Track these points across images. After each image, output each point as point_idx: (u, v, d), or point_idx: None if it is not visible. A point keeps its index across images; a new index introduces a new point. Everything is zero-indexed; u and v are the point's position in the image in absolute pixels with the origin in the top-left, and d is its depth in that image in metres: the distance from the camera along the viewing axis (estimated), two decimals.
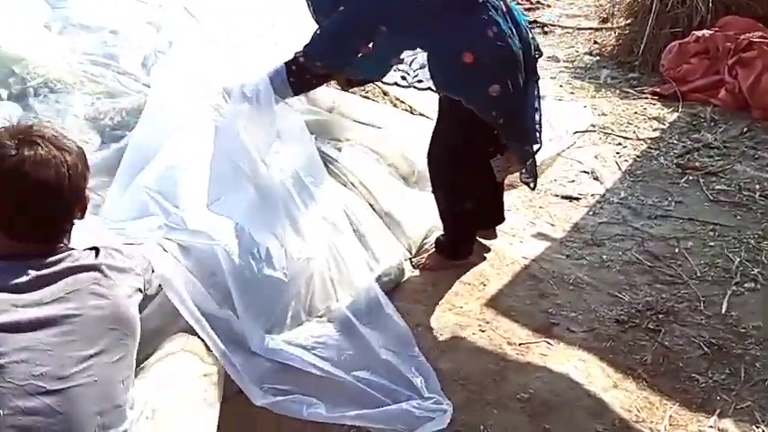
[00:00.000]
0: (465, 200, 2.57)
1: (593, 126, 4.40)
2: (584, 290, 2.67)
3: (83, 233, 1.45)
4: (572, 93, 5.08)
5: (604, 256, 2.93)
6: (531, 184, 2.64)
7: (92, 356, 1.25)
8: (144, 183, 2.00)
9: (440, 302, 2.53)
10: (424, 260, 2.73)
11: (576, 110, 4.62)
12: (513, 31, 2.27)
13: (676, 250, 2.96)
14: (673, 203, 3.40)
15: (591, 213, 3.33)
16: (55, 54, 2.35)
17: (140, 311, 1.42)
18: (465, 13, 2.20)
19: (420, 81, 2.68)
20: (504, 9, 2.28)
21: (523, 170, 2.58)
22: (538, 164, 2.94)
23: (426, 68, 2.40)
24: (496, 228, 2.88)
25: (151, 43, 2.61)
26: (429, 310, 2.49)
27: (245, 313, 1.85)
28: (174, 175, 2.05)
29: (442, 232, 2.73)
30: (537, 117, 2.51)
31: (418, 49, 2.50)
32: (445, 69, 2.27)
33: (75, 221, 1.38)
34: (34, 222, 1.30)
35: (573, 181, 3.67)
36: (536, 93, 2.51)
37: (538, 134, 2.54)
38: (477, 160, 2.50)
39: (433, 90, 2.47)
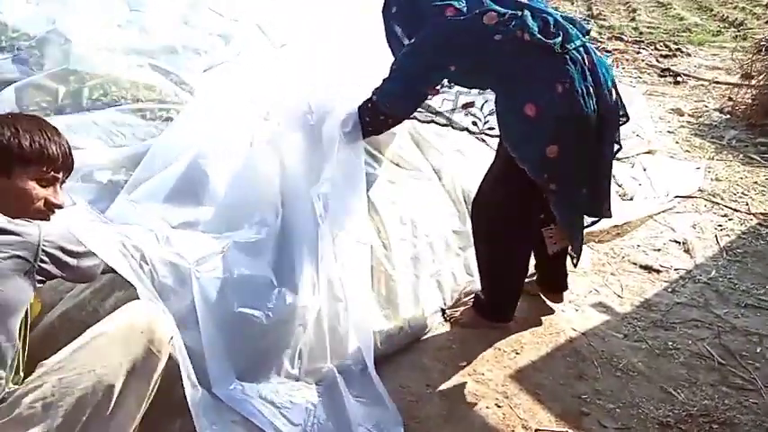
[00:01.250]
0: (507, 261, 2.36)
1: (701, 191, 3.97)
2: (632, 379, 2.35)
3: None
4: (688, 151, 4.63)
5: (670, 343, 2.58)
6: (575, 261, 2.38)
7: None
8: (143, 192, 1.97)
9: (461, 364, 2.32)
10: (458, 314, 2.53)
11: (686, 171, 4.20)
12: (591, 90, 2.05)
13: (758, 350, 2.55)
14: None
15: (669, 290, 2.96)
16: (119, 57, 2.41)
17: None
18: (538, 62, 2.02)
19: (491, 128, 2.53)
20: (588, 65, 2.06)
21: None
22: (625, 221, 2.71)
23: (463, 109, 2.33)
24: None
25: (217, 56, 2.62)
26: (447, 371, 2.28)
27: (210, 347, 1.75)
28: (184, 186, 2.02)
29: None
30: (607, 187, 2.27)
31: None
32: (505, 119, 2.12)
33: None
34: None
35: (659, 250, 3.29)
36: (611, 161, 2.26)
37: (603, 206, 2.29)
38: (524, 224, 2.30)
39: (470, 132, 2.42)
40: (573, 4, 9.73)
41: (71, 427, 1.38)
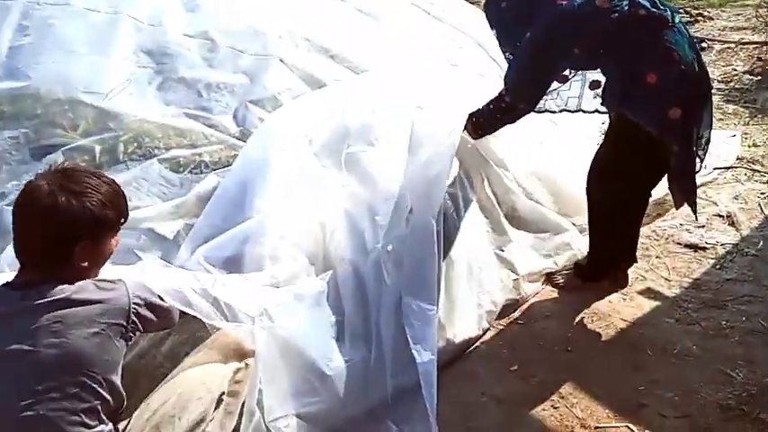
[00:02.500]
0: (617, 221, 2.58)
1: (740, 159, 3.89)
2: (688, 364, 2.33)
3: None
4: (721, 118, 4.53)
5: (724, 322, 2.54)
6: (696, 214, 2.60)
7: (39, 392, 1.36)
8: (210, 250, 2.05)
9: (513, 369, 2.33)
10: (560, 279, 2.75)
11: (722, 140, 4.11)
12: (695, 59, 2.25)
13: None
14: None
15: (718, 267, 2.91)
16: (149, 109, 2.50)
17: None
18: (652, 34, 2.21)
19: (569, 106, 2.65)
20: (688, 36, 2.27)
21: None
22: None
23: (591, 90, 2.51)
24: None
25: (244, 94, 2.68)
26: (500, 376, 2.29)
27: (269, 379, 1.81)
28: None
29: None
30: (706, 144, 2.45)
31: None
32: (627, 90, 2.26)
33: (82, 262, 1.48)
34: (23, 250, 1.46)
35: (702, 226, 3.24)
36: (710, 121, 2.44)
37: (701, 161, 2.45)
38: (636, 186, 2.50)
39: (600, 112, 2.54)
40: None
41: None
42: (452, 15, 3.88)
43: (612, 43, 2.24)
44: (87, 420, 1.42)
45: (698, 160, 2.41)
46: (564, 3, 2.24)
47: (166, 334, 2.00)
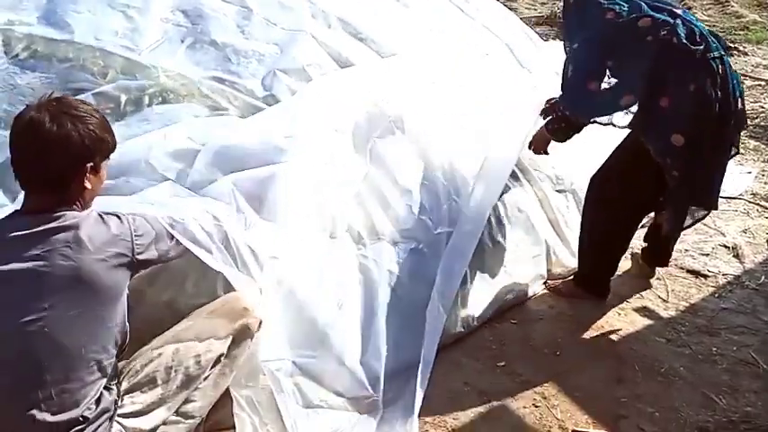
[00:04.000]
0: (614, 233, 2.65)
1: (754, 195, 3.88)
2: (673, 383, 2.35)
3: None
4: (742, 153, 4.50)
5: (714, 349, 2.56)
6: (671, 244, 2.76)
7: (45, 309, 1.41)
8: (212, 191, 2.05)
9: (500, 364, 2.36)
10: (559, 285, 2.83)
11: (736, 173, 4.10)
12: (719, 95, 2.32)
13: None
14: None
15: (716, 296, 2.93)
16: (178, 66, 2.54)
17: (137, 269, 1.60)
18: (677, 63, 2.32)
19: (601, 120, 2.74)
20: (721, 73, 2.34)
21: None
22: None
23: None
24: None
25: (272, 63, 2.72)
26: (485, 370, 2.33)
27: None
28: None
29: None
30: (718, 182, 2.54)
31: None
32: (643, 108, 2.41)
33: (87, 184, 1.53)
34: (29, 177, 1.50)
35: (707, 254, 3.25)
36: (725, 162, 2.54)
37: (712, 198, 2.55)
38: (634, 202, 2.58)
39: (613, 125, 2.64)
40: None
41: (186, 387, 1.68)
42: (484, 14, 3.91)
43: (639, 62, 2.35)
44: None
45: (711, 199, 2.52)
46: (610, 16, 2.39)
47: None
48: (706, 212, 2.67)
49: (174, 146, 2.17)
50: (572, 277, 2.85)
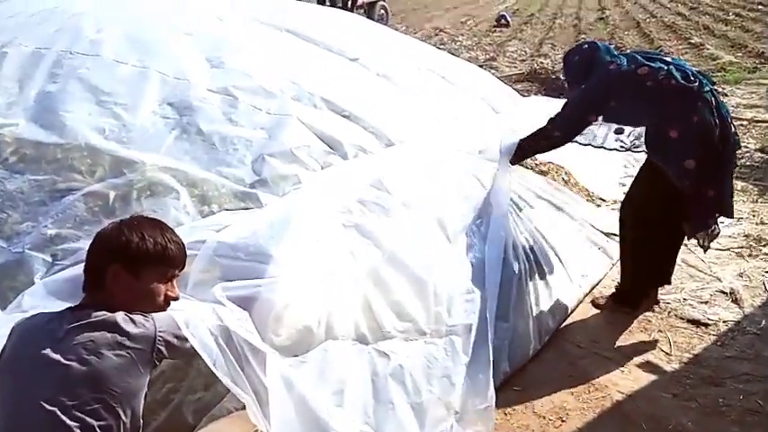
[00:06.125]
0: (647, 250, 3.00)
1: (746, 237, 3.91)
2: None
3: None
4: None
5: (721, 400, 2.53)
6: (705, 248, 2.94)
7: (63, 402, 1.44)
8: None
9: None
10: (601, 301, 3.19)
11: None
12: (717, 122, 2.73)
13: None
14: None
15: (719, 344, 2.91)
16: (166, 158, 2.60)
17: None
18: (678, 100, 2.72)
19: (637, 147, 3.55)
20: (714, 104, 2.75)
21: (704, 235, 2.87)
22: None
23: (615, 134, 3.35)
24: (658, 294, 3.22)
25: (260, 148, 2.77)
26: None
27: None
28: None
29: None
30: (729, 190, 2.88)
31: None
32: (655, 141, 2.83)
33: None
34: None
35: (706, 302, 3.25)
36: (732, 173, 2.92)
37: (727, 205, 2.87)
38: (663, 219, 2.89)
39: (618, 150, 3.36)
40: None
41: None
42: (464, 79, 4.04)
43: (645, 104, 2.80)
44: None
45: (728, 210, 2.88)
46: (613, 67, 2.85)
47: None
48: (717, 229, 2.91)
49: None
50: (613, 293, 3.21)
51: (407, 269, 2.46)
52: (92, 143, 2.60)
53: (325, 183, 2.61)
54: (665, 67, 2.77)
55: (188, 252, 2.11)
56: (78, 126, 2.67)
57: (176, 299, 1.72)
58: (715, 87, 2.89)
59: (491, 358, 2.44)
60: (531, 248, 3.10)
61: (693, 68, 2.88)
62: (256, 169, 2.68)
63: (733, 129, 2.85)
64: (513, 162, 3.12)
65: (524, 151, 3.13)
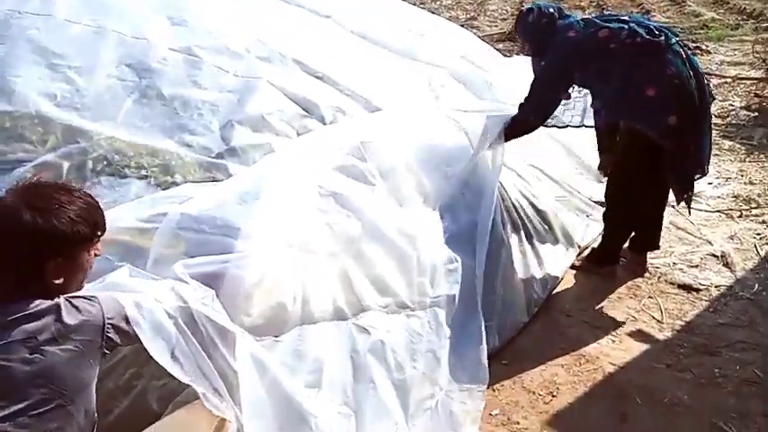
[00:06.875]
0: (630, 209, 2.91)
1: (735, 198, 3.80)
2: (678, 415, 2.22)
3: None
4: (717, 154, 4.45)
5: (717, 370, 2.43)
6: (689, 209, 2.90)
7: (6, 408, 1.27)
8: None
9: (494, 413, 2.21)
10: (577, 262, 3.11)
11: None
12: (691, 74, 2.61)
13: None
14: None
15: (711, 310, 2.81)
16: (124, 125, 2.39)
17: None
18: (649, 56, 2.59)
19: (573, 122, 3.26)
20: (684, 56, 2.63)
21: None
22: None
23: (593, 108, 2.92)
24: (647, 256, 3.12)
25: (228, 113, 2.57)
26: (481, 421, 2.17)
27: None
28: None
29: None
30: (708, 150, 2.79)
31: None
32: (632, 103, 2.64)
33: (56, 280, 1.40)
34: None
35: (696, 266, 3.15)
36: (709, 131, 2.79)
37: (707, 165, 2.80)
38: (646, 185, 2.82)
39: (586, 126, 3.05)
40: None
41: None
42: (445, 37, 3.85)
43: (614, 67, 2.63)
44: None
45: (706, 165, 2.79)
46: (573, 34, 2.70)
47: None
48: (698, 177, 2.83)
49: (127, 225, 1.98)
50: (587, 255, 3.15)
51: (388, 240, 2.29)
52: (42, 110, 2.41)
53: (300, 150, 2.41)
54: (626, 26, 2.63)
55: (149, 226, 1.97)
56: (28, 92, 2.48)
57: (100, 254, 1.54)
58: (681, 40, 2.74)
59: (483, 334, 2.31)
60: (520, 217, 2.96)
61: (655, 23, 2.77)
62: (224, 137, 2.50)
63: (706, 80, 2.76)
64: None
65: (504, 140, 2.88)
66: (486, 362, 2.27)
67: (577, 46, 2.69)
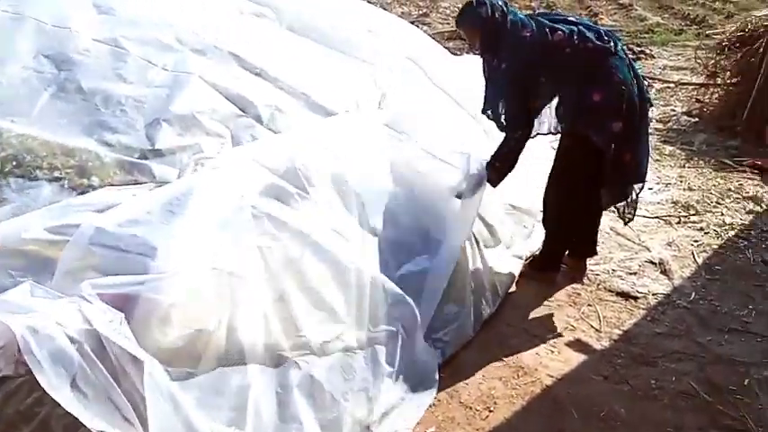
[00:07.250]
0: (569, 214, 2.88)
1: (674, 204, 3.84)
2: (615, 429, 2.19)
3: None
4: (658, 159, 4.51)
5: (653, 381, 2.42)
6: (627, 219, 2.85)
7: None
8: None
9: (430, 430, 2.13)
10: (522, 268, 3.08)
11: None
12: (634, 81, 2.63)
13: (745, 382, 2.41)
14: (753, 314, 2.83)
15: (649, 319, 2.81)
16: (37, 122, 2.21)
17: None
18: (597, 61, 2.59)
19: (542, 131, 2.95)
20: (628, 62, 2.66)
21: (624, 205, 2.81)
22: None
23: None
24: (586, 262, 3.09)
25: (154, 111, 2.41)
26: None
27: None
28: None
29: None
30: (646, 159, 2.77)
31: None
32: (578, 108, 2.63)
33: None
34: None
35: (635, 273, 3.15)
36: (647, 138, 2.78)
37: (642, 170, 2.76)
38: (586, 191, 2.78)
39: (552, 133, 2.87)
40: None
41: None
42: (392, 33, 3.75)
43: (568, 71, 2.63)
44: None
45: (644, 174, 2.77)
46: (528, 34, 2.63)
47: None
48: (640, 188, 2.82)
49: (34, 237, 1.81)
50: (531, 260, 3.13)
51: (328, 269, 2.15)
52: None
53: (233, 162, 2.22)
54: (575, 29, 2.61)
55: (59, 239, 1.81)
56: None
57: None
58: (624, 44, 2.75)
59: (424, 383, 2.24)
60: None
61: (601, 26, 2.78)
62: (149, 136, 2.35)
63: (645, 86, 2.78)
64: (495, 184, 2.79)
65: (502, 169, 2.77)
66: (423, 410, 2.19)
67: (535, 50, 2.63)
